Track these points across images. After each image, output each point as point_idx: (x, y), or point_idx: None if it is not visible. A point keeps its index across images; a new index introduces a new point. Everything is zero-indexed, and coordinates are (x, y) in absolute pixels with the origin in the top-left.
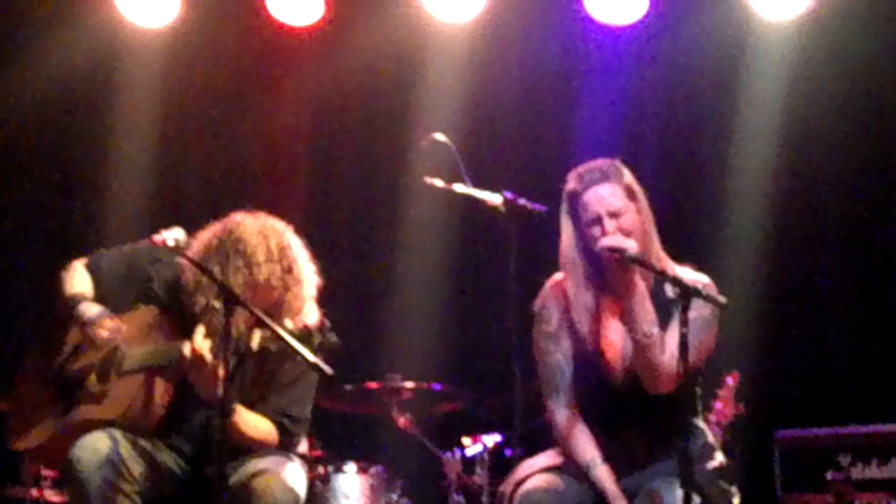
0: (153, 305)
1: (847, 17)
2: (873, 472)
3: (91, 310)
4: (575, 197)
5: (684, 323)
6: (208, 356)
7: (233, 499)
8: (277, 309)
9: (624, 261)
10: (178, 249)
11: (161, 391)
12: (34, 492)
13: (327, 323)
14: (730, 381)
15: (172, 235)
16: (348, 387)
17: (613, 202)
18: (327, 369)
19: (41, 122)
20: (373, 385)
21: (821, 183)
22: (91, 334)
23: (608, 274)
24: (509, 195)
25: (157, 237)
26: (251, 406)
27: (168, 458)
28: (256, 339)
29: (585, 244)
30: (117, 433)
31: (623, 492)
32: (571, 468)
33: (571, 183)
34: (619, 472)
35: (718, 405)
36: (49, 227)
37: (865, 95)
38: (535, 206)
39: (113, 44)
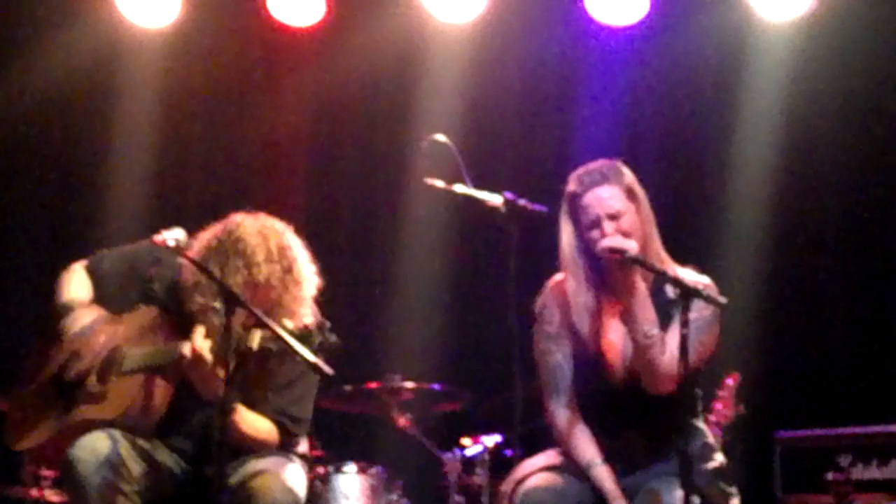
0: (153, 306)
1: (847, 18)
2: (873, 472)
3: (75, 326)
4: (575, 199)
5: (685, 323)
6: (208, 356)
7: (233, 499)
8: (277, 309)
9: (624, 261)
10: (178, 250)
11: (161, 391)
12: (34, 492)
13: (327, 323)
14: (730, 381)
15: (173, 236)
16: (348, 387)
17: (613, 204)
18: (327, 369)
19: (41, 122)
20: (373, 385)
21: (821, 183)
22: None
23: (608, 275)
24: (510, 196)
25: (158, 237)
26: (251, 406)
27: (168, 459)
28: (256, 338)
29: (585, 246)
30: (117, 433)
31: (623, 492)
32: (572, 467)
33: (571, 185)
34: (619, 472)
35: (718, 406)
36: (49, 227)
37: (865, 96)
38: (535, 207)
39: (113, 44)
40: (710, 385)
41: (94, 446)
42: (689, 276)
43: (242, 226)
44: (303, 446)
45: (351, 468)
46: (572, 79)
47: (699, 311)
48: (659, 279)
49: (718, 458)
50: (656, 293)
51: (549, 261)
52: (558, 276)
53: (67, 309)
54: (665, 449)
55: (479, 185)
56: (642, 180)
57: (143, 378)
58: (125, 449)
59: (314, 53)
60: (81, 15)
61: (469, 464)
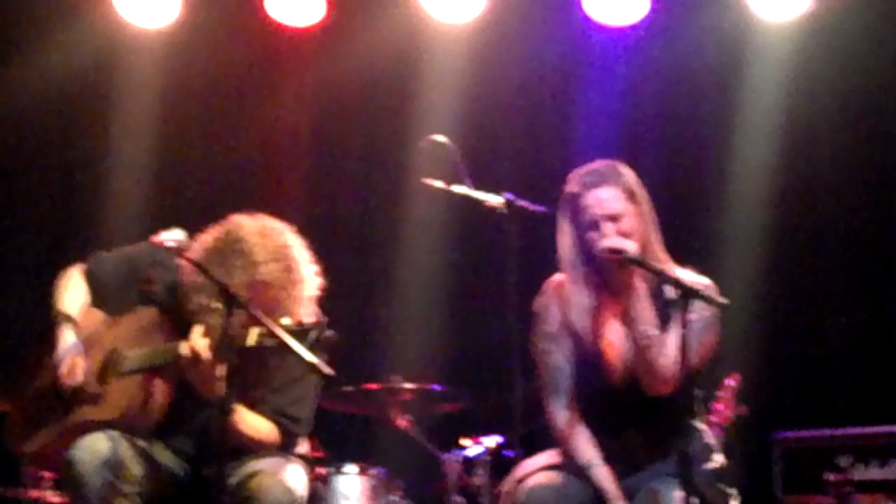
0: (152, 307)
1: (847, 18)
2: (873, 473)
3: (66, 341)
4: (574, 199)
5: (684, 324)
6: (206, 355)
7: (232, 499)
8: (277, 309)
9: (624, 262)
10: (177, 251)
11: (160, 392)
12: (34, 493)
13: (325, 319)
14: (730, 382)
15: (172, 236)
16: (348, 388)
17: (612, 205)
18: (326, 369)
19: (41, 122)
20: (373, 386)
21: (821, 183)
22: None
23: (608, 275)
24: (510, 196)
25: (157, 238)
26: (251, 406)
27: (168, 459)
28: (253, 336)
29: (585, 246)
30: (117, 434)
31: (623, 492)
32: (572, 467)
33: (571, 185)
34: (619, 472)
35: (718, 406)
36: (49, 227)
37: (865, 96)
38: (535, 208)
39: (113, 44)
40: (710, 385)
41: (94, 447)
42: (689, 276)
43: (242, 226)
44: (304, 447)
45: (351, 469)
46: (572, 79)
47: (699, 312)
48: (659, 280)
49: (718, 459)
50: (656, 293)
51: (548, 261)
52: (558, 277)
53: (62, 319)
54: (665, 449)
55: (478, 186)
56: (642, 180)
57: (143, 379)
58: (125, 449)
59: (314, 53)
60: (81, 15)
61: (469, 464)
